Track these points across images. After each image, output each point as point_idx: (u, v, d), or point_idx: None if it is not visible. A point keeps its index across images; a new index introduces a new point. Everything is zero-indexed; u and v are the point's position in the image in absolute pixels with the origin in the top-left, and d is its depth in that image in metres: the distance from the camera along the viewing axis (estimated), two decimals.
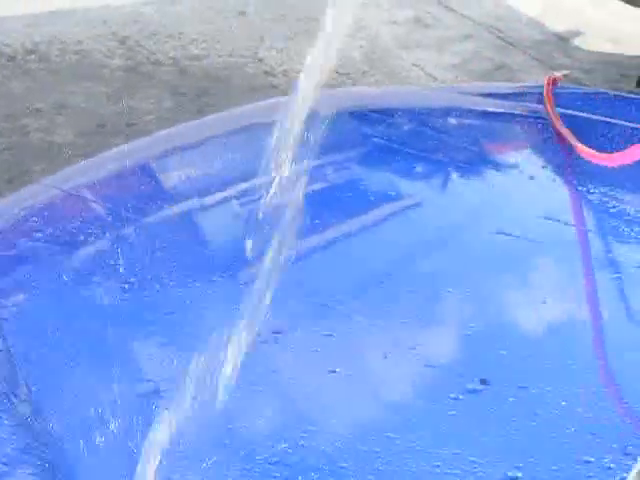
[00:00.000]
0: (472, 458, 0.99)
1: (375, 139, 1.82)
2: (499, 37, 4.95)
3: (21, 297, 1.43)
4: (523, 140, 1.83)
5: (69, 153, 3.65)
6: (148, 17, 4.89)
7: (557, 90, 1.77)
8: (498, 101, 1.89)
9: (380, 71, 4.42)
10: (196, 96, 4.10)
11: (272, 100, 2.08)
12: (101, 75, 4.33)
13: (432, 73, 4.46)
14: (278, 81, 4.25)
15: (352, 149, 1.79)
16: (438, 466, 0.99)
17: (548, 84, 1.76)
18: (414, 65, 4.53)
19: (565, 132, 1.61)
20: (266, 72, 4.34)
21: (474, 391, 1.07)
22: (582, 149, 1.54)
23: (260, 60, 4.44)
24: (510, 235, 1.39)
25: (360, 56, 4.55)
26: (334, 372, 1.12)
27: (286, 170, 1.67)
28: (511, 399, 1.06)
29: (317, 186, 1.62)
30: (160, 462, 0.96)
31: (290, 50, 4.52)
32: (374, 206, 1.53)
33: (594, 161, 1.51)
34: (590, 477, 0.97)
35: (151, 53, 4.53)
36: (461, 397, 1.07)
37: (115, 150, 1.96)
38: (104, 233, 1.52)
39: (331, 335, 1.19)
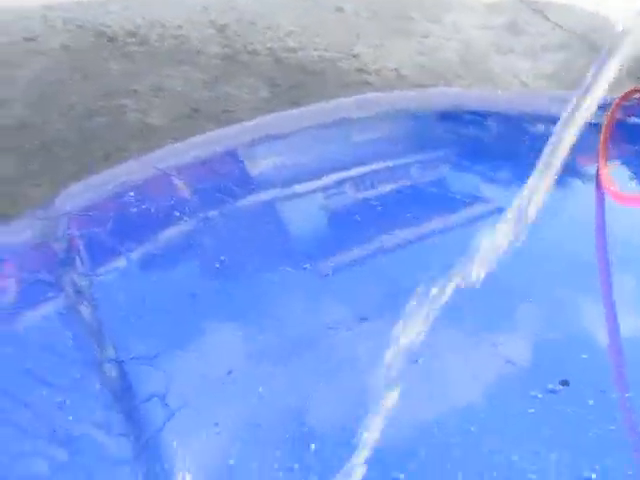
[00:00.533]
0: (549, 456, 1.02)
1: (468, 140, 1.85)
2: (593, 48, 4.92)
3: (114, 270, 1.49)
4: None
5: (163, 135, 3.74)
6: (246, 6, 4.97)
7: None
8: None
9: (473, 75, 4.42)
10: (291, 88, 4.16)
11: (368, 95, 2.12)
12: (198, 61, 4.42)
13: (525, 80, 4.46)
14: (372, 79, 4.29)
15: (443, 149, 1.82)
16: (515, 462, 1.02)
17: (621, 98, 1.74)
18: (507, 71, 4.53)
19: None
20: (360, 69, 4.38)
21: (554, 391, 1.10)
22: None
23: (354, 56, 4.49)
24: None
25: (456, 58, 4.56)
26: (415, 362, 1.15)
27: (373, 166, 1.72)
28: (590, 402, 1.09)
29: (403, 183, 1.65)
30: None
31: (385, 48, 4.55)
32: (458, 207, 1.55)
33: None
34: None
35: (248, 43, 4.60)
36: (540, 396, 1.10)
37: (208, 134, 2.02)
38: (191, 212, 1.57)
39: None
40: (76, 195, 1.80)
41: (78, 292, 1.42)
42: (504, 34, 4.93)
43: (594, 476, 1.00)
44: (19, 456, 1.10)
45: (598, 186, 1.53)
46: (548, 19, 5.24)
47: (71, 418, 1.14)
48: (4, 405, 1.17)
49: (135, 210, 1.67)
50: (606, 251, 1.40)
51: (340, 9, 4.99)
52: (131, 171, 1.97)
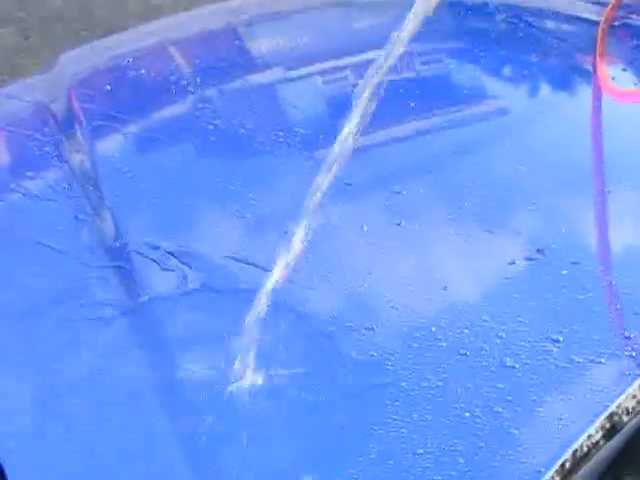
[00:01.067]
0: (520, 318, 1.07)
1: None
2: None
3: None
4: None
5: (165, 14, 3.71)
6: None
7: None
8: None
9: None
10: None
11: None
12: None
13: None
14: None
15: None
16: (486, 320, 1.07)
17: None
18: None
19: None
20: None
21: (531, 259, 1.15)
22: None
23: None
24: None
25: None
26: (399, 225, 1.20)
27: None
28: (564, 272, 1.14)
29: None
30: None
31: None
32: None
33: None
34: (630, 353, 1.04)
35: None
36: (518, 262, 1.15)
37: (211, 7, 2.03)
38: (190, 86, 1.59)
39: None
40: (77, 59, 1.82)
41: (76, 151, 1.45)
42: None
43: (561, 339, 1.05)
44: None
45: (595, 82, 1.56)
46: None
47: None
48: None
49: (134, 78, 1.69)
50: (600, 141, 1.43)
51: None
52: (132, 40, 1.98)
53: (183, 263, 1.17)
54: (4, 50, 3.62)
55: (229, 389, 1.00)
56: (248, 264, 1.17)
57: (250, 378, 1.01)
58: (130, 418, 1.01)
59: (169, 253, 1.19)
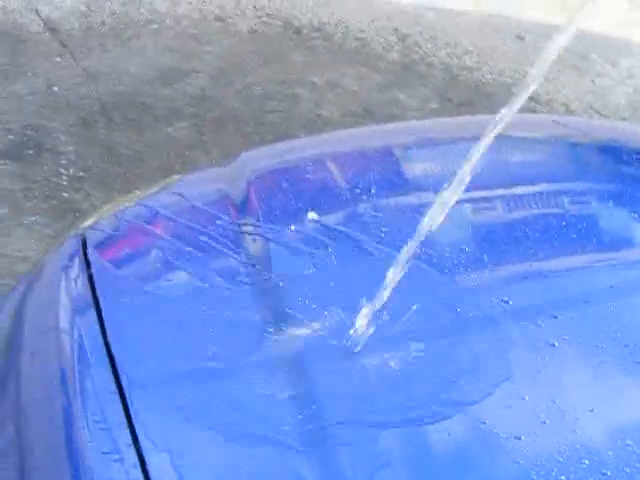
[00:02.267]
0: None
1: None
2: None
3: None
4: None
5: (332, 128, 3.89)
6: (430, 21, 5.09)
7: None
8: None
9: (638, 120, 4.43)
10: (460, 104, 4.27)
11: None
12: (376, 65, 4.57)
13: None
14: (540, 108, 4.34)
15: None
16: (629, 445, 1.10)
17: None
18: None
19: None
20: (531, 98, 4.43)
21: None
22: None
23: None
24: None
25: (625, 103, 4.57)
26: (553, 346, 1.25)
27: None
28: None
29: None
30: None
31: (558, 82, 4.60)
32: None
33: None
34: None
35: (427, 55, 4.72)
36: None
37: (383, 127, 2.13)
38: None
39: None
40: (256, 157, 1.96)
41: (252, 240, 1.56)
42: None
43: None
44: None
45: None
46: None
47: None
48: None
49: (305, 180, 1.81)
50: None
51: (520, 37, 5.05)
52: (305, 147, 2.11)
53: None
54: (179, 143, 3.84)
55: None
56: None
57: None
58: None
59: None
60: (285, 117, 4.07)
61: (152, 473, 1.12)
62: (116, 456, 1.15)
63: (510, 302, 1.36)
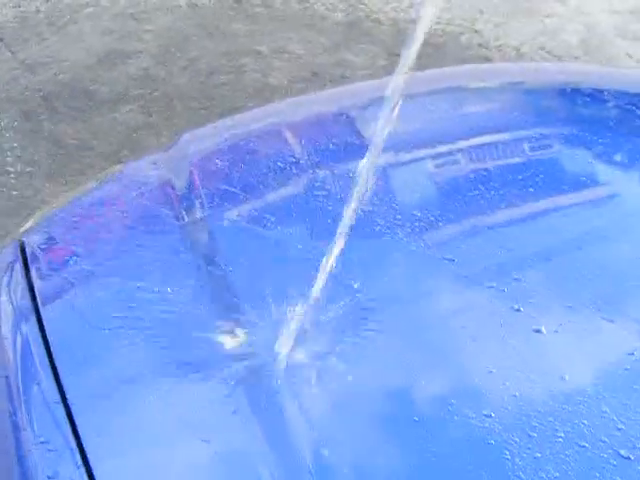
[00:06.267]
0: None
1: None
2: None
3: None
4: None
5: (281, 95, 3.80)
6: None
7: None
8: None
9: (593, 58, 4.37)
10: None
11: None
12: (322, 27, 4.47)
13: None
14: (491, 54, 4.27)
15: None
16: (605, 412, 1.05)
17: None
18: (628, 55, 4.44)
19: None
20: (480, 44, 4.37)
21: None
22: None
23: (476, 32, 4.47)
24: None
25: (576, 42, 4.50)
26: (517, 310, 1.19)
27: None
28: None
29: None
30: None
31: (507, 26, 4.53)
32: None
33: None
34: None
35: (372, 12, 4.63)
36: None
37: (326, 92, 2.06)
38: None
39: None
40: (197, 138, 1.87)
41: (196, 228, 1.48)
42: (631, 19, 4.84)
43: None
44: None
45: None
46: None
47: None
48: None
49: (251, 158, 1.73)
50: None
51: None
52: (249, 121, 2.03)
53: None
54: (127, 127, 3.75)
55: None
56: None
57: None
58: None
59: None
60: (233, 89, 3.98)
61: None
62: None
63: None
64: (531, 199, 1.47)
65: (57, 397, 1.18)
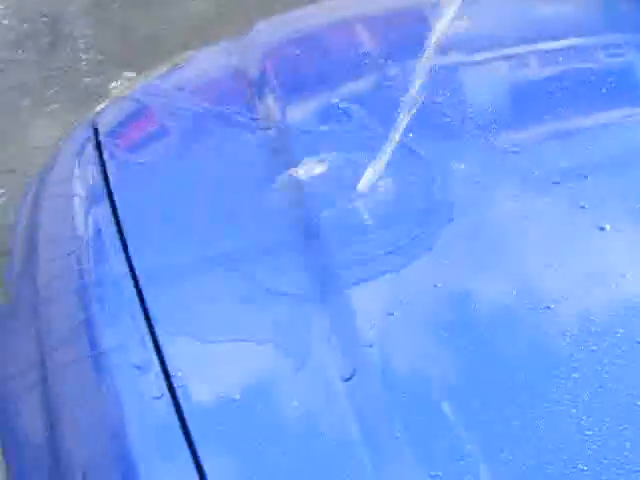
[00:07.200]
0: None
1: None
2: None
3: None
4: None
5: None
6: None
7: None
8: None
9: None
10: None
11: None
12: None
13: None
14: None
15: None
16: None
17: None
18: None
19: None
20: None
21: None
22: None
23: None
24: None
25: None
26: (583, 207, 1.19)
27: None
28: None
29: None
30: None
31: None
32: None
33: None
34: None
35: None
36: None
37: None
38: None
39: None
40: (269, 29, 1.86)
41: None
42: None
43: None
44: None
45: None
46: None
47: None
48: None
49: (322, 49, 1.72)
50: None
51: None
52: (319, 14, 2.01)
53: None
54: (199, 18, 3.73)
55: None
56: None
57: None
58: None
59: None
60: None
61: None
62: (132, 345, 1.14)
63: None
64: (605, 102, 1.45)
65: (129, 275, 1.21)
